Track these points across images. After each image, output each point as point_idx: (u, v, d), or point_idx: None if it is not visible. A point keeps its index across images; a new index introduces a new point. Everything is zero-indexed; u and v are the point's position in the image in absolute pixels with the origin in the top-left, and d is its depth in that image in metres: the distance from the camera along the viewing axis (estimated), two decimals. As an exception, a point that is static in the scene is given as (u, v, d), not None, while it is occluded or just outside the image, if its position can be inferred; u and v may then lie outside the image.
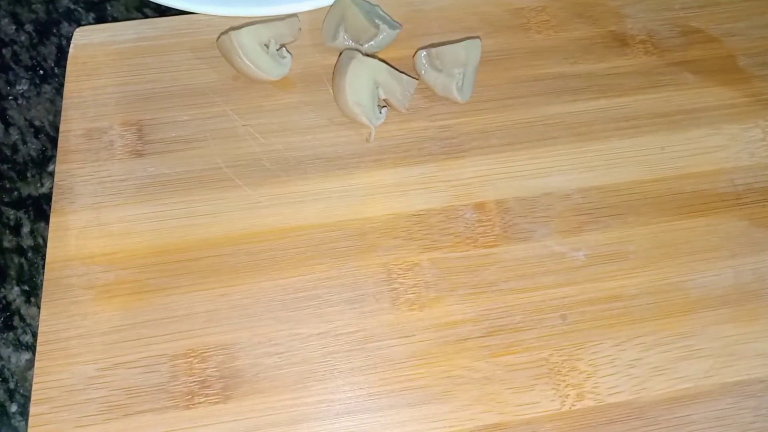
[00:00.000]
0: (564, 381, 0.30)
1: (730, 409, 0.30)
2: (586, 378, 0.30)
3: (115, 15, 0.44)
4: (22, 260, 0.36)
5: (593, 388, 0.30)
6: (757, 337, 0.31)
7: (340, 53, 0.37)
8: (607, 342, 0.31)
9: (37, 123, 0.40)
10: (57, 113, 0.39)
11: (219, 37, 0.37)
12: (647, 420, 0.30)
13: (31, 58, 0.42)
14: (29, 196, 0.38)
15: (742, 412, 0.30)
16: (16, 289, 0.35)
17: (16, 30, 0.43)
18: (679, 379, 0.30)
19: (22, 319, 0.35)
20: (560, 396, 0.30)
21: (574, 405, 0.30)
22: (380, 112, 0.36)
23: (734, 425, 0.29)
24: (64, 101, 0.37)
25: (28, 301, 0.35)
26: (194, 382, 0.30)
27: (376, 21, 0.38)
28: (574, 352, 0.31)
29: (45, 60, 0.42)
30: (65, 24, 0.43)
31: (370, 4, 0.39)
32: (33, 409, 0.30)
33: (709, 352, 0.31)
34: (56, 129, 0.38)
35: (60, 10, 0.44)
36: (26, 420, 0.31)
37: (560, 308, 0.32)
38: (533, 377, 0.30)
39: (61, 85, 0.38)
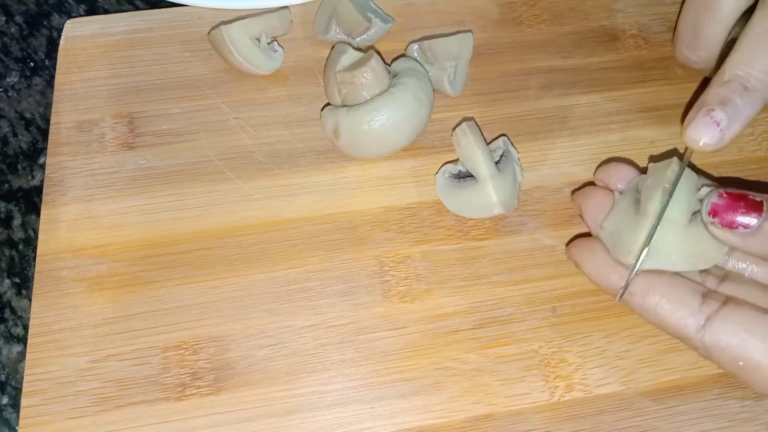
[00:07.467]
0: (553, 372, 0.31)
1: (717, 399, 0.30)
2: (575, 369, 0.31)
3: (106, 7, 0.44)
4: (13, 252, 0.36)
5: (582, 379, 0.30)
6: (743, 329, 0.32)
7: (332, 46, 0.36)
8: (596, 334, 0.31)
9: (27, 115, 0.40)
10: (48, 105, 0.39)
11: (210, 31, 0.37)
12: (635, 411, 0.30)
13: (22, 50, 0.42)
14: (20, 188, 0.38)
15: (728, 403, 0.30)
16: (7, 281, 0.35)
17: (7, 21, 0.43)
18: (666, 371, 0.31)
19: (13, 311, 0.35)
20: (549, 387, 0.30)
21: (563, 396, 0.30)
22: (372, 106, 0.36)
23: (720, 415, 0.30)
24: (54, 93, 0.37)
25: (19, 294, 0.35)
26: (186, 374, 0.30)
27: (369, 14, 0.38)
28: (563, 344, 0.31)
29: (36, 52, 0.42)
30: (56, 16, 0.43)
31: (363, -3, 0.39)
32: (24, 401, 0.30)
33: (697, 343, 0.31)
34: (47, 121, 0.38)
35: (50, 2, 0.44)
36: (18, 412, 0.31)
37: (550, 301, 0.32)
38: (523, 369, 0.31)
39: (52, 77, 0.38)
